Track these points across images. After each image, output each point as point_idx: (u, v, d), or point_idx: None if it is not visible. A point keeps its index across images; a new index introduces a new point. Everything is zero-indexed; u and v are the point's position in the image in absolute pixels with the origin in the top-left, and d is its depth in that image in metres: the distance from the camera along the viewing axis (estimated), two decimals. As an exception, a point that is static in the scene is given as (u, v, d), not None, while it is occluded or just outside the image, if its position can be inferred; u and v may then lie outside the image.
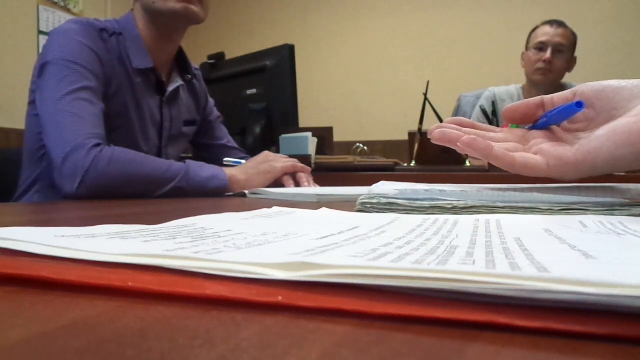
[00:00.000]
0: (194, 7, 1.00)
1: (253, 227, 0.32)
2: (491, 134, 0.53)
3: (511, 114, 0.55)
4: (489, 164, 1.42)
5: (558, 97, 0.52)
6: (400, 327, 0.15)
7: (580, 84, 0.51)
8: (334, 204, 0.58)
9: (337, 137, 1.83)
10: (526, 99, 0.55)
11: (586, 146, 0.45)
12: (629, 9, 3.30)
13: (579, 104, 0.47)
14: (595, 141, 0.44)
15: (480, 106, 2.12)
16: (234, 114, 1.58)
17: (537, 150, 0.48)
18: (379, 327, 0.15)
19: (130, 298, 0.17)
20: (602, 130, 0.45)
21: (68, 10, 3.22)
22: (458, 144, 0.46)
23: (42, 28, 3.04)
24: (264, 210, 0.45)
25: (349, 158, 1.58)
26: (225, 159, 1.19)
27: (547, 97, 0.53)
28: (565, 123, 0.52)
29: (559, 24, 2.00)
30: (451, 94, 2.60)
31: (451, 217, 0.39)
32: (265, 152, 1.08)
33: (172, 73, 1.13)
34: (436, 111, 1.55)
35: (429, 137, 0.50)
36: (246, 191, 0.93)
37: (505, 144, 0.50)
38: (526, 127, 0.55)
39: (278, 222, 0.36)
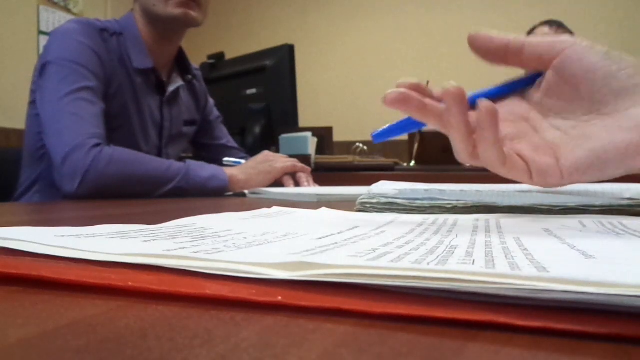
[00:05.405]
0: (193, 13, 1.01)
1: (253, 227, 0.32)
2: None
3: (484, 43, 0.45)
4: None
5: (544, 43, 0.42)
6: (400, 327, 0.15)
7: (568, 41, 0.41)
8: (334, 204, 0.58)
9: (337, 137, 1.83)
10: (507, 36, 0.44)
11: (572, 161, 0.39)
12: (629, 9, 3.30)
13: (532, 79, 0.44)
14: (583, 155, 0.38)
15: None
16: (234, 114, 1.58)
17: (518, 151, 0.40)
18: (379, 327, 0.15)
19: (130, 298, 0.17)
20: (592, 144, 0.38)
21: (68, 11, 3.22)
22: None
23: (43, 28, 3.04)
24: (264, 210, 0.45)
25: (349, 158, 1.58)
26: (225, 159, 1.19)
27: (522, 42, 0.43)
28: (543, 97, 0.43)
29: (558, 25, 1.99)
30: (451, 94, 2.59)
31: (451, 217, 0.39)
32: (266, 152, 1.09)
33: (173, 74, 1.14)
34: (436, 111, 1.54)
35: (385, 99, 0.41)
36: (246, 191, 0.93)
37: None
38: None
39: (278, 222, 0.36)
